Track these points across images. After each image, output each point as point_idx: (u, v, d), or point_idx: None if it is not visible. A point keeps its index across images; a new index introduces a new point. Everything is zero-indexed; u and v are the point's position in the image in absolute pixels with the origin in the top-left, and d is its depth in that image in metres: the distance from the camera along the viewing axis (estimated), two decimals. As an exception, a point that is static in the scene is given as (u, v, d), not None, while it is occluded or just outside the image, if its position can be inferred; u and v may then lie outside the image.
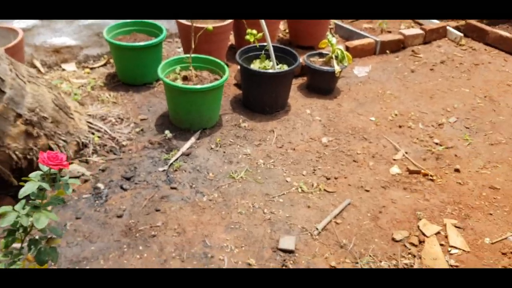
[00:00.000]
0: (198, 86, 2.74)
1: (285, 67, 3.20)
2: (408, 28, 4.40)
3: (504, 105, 3.32)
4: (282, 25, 4.31)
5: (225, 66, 2.92)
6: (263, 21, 2.99)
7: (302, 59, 3.45)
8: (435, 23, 4.36)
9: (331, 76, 3.32)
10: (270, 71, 3.06)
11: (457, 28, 4.35)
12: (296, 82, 3.55)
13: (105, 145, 2.70)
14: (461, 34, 4.25)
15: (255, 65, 3.23)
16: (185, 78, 2.91)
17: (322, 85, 3.40)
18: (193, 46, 2.87)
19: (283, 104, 3.21)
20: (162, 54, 3.45)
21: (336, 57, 3.35)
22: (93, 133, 2.73)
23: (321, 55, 3.52)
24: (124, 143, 2.75)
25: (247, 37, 2.90)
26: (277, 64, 3.23)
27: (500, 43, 4.10)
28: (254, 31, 2.90)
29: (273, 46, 3.19)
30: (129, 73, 3.34)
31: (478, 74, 3.73)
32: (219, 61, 2.99)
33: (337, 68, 3.27)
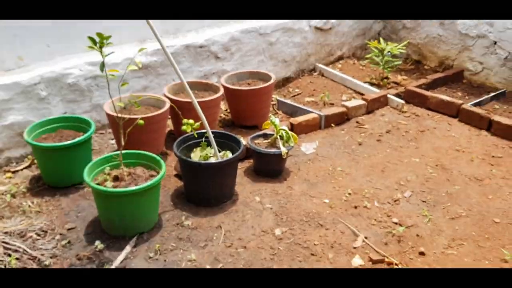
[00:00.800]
0: (130, 188, 2.44)
1: (229, 154, 2.98)
2: (349, 100, 4.37)
3: (457, 173, 3.23)
4: (223, 105, 4.16)
5: (161, 161, 2.65)
6: (199, 108, 2.79)
7: (246, 142, 3.26)
8: (375, 92, 4.37)
9: (278, 158, 3.13)
10: (212, 161, 2.82)
11: (397, 95, 4.37)
12: (243, 166, 3.32)
13: (25, 267, 2.30)
14: (403, 101, 4.25)
15: (196, 154, 2.99)
16: (116, 179, 2.60)
17: (270, 167, 3.20)
18: (123, 143, 2.60)
19: (230, 193, 2.95)
20: (91, 150, 3.15)
21: (281, 137, 3.18)
22: (9, 255, 2.33)
23: (265, 136, 3.34)
24: (47, 262, 2.36)
25: (184, 127, 2.68)
26: (220, 151, 3.01)
27: (441, 107, 4.12)
28: (191, 121, 2.68)
29: (213, 132, 2.99)
30: (55, 175, 3.00)
31: (425, 141, 3.67)
32: (153, 155, 2.72)
33: (283, 149, 3.09)
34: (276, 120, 3.21)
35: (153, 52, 3.82)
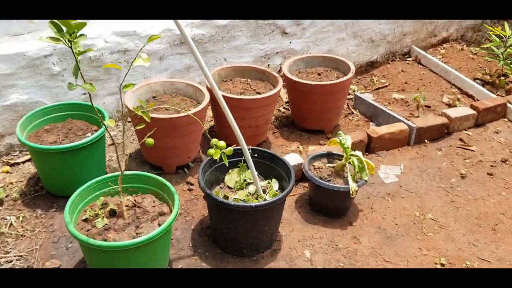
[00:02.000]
0: (125, 242, 1.67)
1: (275, 185, 2.15)
2: (453, 104, 3.29)
3: None
4: (283, 94, 3.27)
5: (175, 194, 1.87)
6: (235, 125, 1.95)
7: (303, 163, 2.39)
8: (490, 98, 3.25)
9: (343, 195, 2.24)
10: (250, 204, 1.97)
11: (522, 105, 3.22)
12: (296, 192, 2.48)
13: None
14: (529, 115, 3.12)
15: (231, 178, 2.19)
16: (112, 213, 1.87)
17: (330, 205, 2.32)
18: (122, 166, 1.83)
19: (270, 241, 2.13)
20: (104, 152, 2.44)
21: (351, 164, 2.28)
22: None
23: (330, 157, 2.45)
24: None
25: (211, 152, 1.85)
26: (264, 180, 2.19)
27: None
28: (221, 143, 1.84)
29: (256, 151, 2.16)
30: (55, 182, 2.34)
31: (561, 185, 2.59)
32: (165, 182, 1.94)
33: (352, 185, 2.19)
34: (347, 140, 2.29)
35: (200, 24, 2.97)
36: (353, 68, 2.93)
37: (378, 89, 3.60)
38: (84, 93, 2.79)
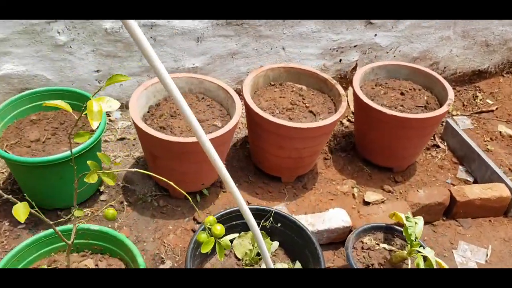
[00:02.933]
0: None
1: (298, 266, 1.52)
2: None
3: None
4: (350, 102, 2.51)
5: (139, 257, 1.31)
6: (223, 172, 1.30)
7: (348, 236, 1.72)
8: None
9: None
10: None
11: None
12: (334, 263, 1.84)
13: None
14: None
15: (241, 245, 1.61)
16: None
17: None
18: (72, 237, 1.27)
19: None
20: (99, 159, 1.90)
21: (414, 261, 1.56)
22: None
23: (389, 232, 1.74)
24: None
25: (201, 238, 1.22)
26: (286, 258, 1.56)
27: None
28: (218, 228, 1.20)
29: (274, 213, 1.53)
30: (34, 194, 1.84)
31: None
32: (127, 242, 1.37)
33: (410, 297, 1.49)
34: (416, 228, 1.57)
35: (255, 0, 2.24)
36: (451, 96, 2.10)
37: (480, 112, 2.72)
38: (97, 70, 2.23)
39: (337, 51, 2.56)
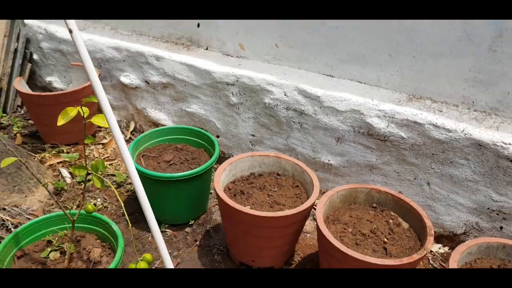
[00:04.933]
0: None
1: None
2: None
3: None
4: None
5: (120, 237, 1.52)
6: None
7: None
8: None
9: None
10: None
11: None
12: None
13: None
14: None
15: None
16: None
17: None
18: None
19: None
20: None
21: None
22: None
23: None
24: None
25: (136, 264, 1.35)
26: None
27: None
28: (148, 256, 1.31)
29: None
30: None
31: None
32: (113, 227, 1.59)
33: None
34: None
35: (401, 121, 2.12)
36: None
37: None
38: (253, 135, 2.58)
39: (497, 214, 2.08)
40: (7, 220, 2.10)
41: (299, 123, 2.38)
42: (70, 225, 1.77)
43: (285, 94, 2.36)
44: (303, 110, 2.33)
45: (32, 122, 3.10)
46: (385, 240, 1.79)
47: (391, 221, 1.90)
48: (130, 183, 2.59)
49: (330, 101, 2.24)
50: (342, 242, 1.75)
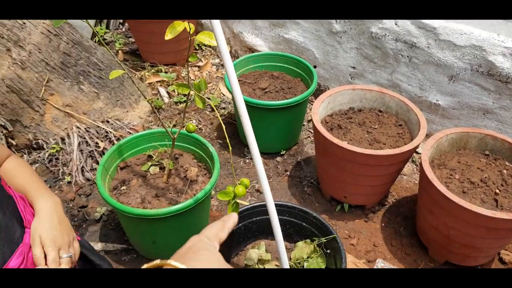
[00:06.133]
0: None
1: None
2: None
3: None
4: None
5: (216, 157, 1.55)
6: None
7: None
8: None
9: None
10: None
11: None
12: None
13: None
14: None
15: (251, 258, 1.57)
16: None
17: None
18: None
19: None
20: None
21: None
22: (63, 139, 2.14)
23: None
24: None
25: (221, 195, 1.33)
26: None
27: None
28: (241, 189, 1.28)
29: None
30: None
31: None
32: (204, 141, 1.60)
33: None
34: None
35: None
36: None
37: None
38: (353, 67, 2.42)
39: None
40: (111, 132, 2.21)
41: (408, 56, 2.18)
42: (170, 142, 1.80)
43: (395, 24, 2.15)
44: (415, 43, 2.12)
45: (133, 40, 3.16)
46: (497, 191, 1.63)
47: (505, 171, 1.72)
48: (224, 108, 2.59)
49: (447, 34, 2.00)
50: (448, 188, 1.62)
